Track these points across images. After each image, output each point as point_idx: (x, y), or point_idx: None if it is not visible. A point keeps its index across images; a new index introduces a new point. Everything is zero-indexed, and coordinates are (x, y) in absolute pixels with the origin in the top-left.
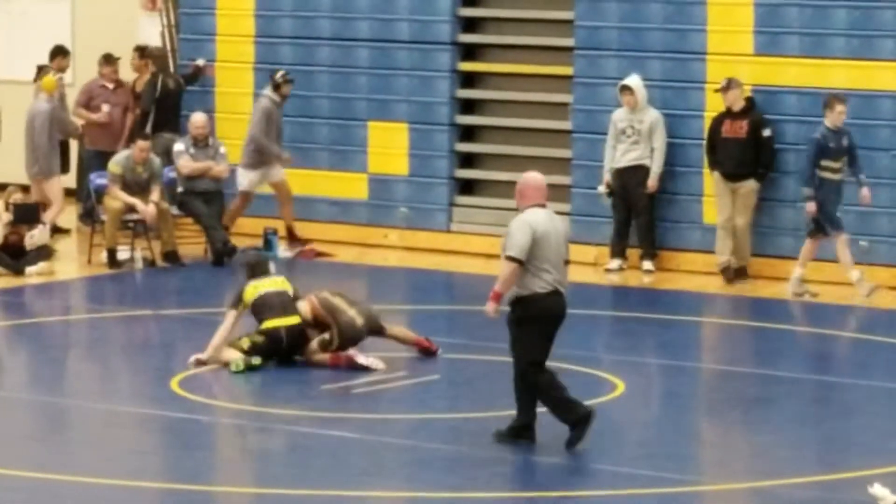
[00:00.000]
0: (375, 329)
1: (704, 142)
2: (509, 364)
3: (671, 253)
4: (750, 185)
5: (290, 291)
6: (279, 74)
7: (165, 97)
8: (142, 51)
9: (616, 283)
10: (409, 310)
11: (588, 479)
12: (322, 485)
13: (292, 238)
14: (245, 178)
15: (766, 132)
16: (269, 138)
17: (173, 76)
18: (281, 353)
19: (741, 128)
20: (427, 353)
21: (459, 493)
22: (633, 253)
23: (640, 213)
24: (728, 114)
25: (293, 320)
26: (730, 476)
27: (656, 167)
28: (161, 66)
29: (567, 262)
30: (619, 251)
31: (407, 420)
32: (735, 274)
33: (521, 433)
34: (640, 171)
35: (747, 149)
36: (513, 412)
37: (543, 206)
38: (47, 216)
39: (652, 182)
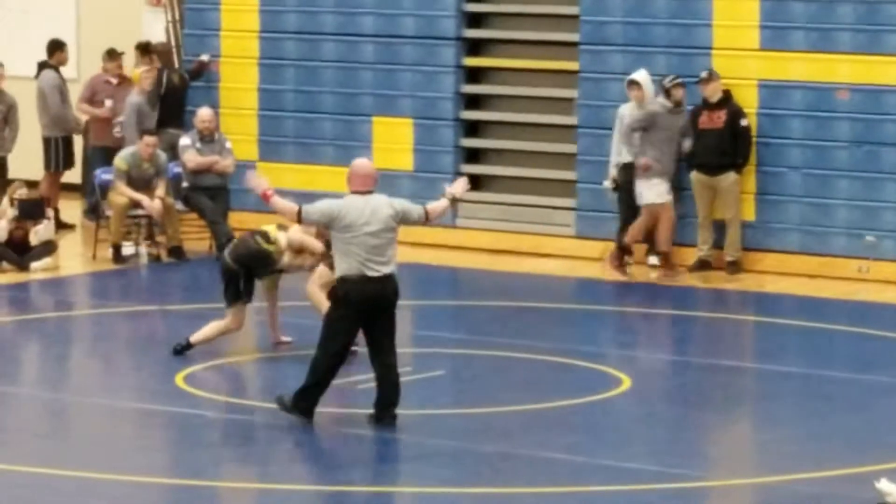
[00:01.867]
0: None
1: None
2: (514, 359)
3: (676, 248)
4: (731, 178)
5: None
6: None
7: (170, 93)
8: (143, 48)
9: (621, 278)
10: (413, 305)
11: (593, 474)
12: (328, 480)
13: None
14: None
15: (744, 122)
16: None
17: (178, 72)
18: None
19: (719, 118)
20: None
21: (463, 488)
22: (639, 248)
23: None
24: (705, 105)
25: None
26: (735, 472)
27: None
28: (166, 62)
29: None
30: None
31: (411, 415)
32: (730, 268)
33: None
34: None
35: (725, 139)
36: (519, 407)
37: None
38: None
39: None
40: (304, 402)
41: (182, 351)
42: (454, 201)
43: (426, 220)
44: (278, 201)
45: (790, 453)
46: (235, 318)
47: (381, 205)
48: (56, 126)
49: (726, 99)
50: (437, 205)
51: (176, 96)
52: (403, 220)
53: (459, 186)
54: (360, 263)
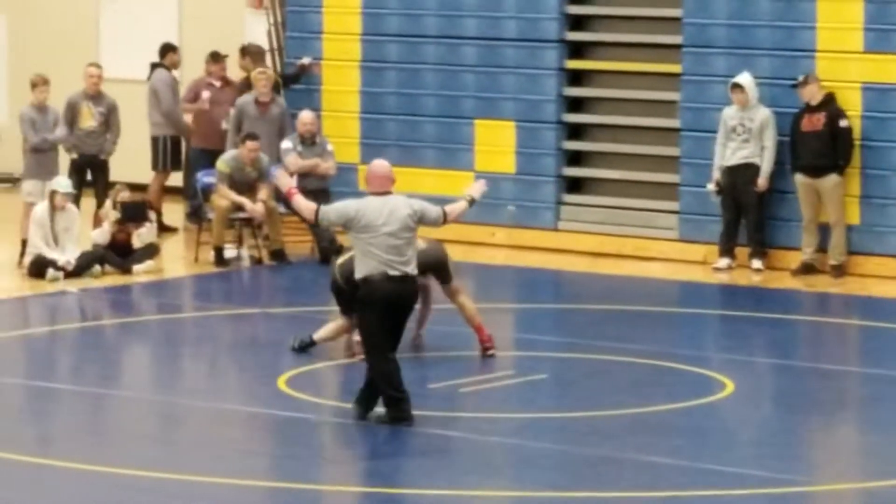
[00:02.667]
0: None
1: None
2: (617, 363)
3: (780, 251)
4: (833, 180)
5: None
6: None
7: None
8: (244, 50)
9: (725, 281)
10: (516, 308)
11: (697, 478)
12: (429, 484)
13: None
14: None
15: (843, 123)
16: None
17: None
18: None
19: (819, 120)
20: (482, 346)
21: (566, 492)
22: (742, 251)
23: (750, 212)
24: (807, 108)
25: None
26: (840, 476)
27: (767, 165)
28: (258, 64)
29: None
30: (727, 249)
31: (514, 419)
32: (833, 271)
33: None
34: (750, 170)
35: (826, 140)
36: (622, 411)
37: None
38: None
39: (762, 180)
40: (396, 413)
41: (304, 348)
42: (472, 202)
43: (444, 221)
44: (300, 201)
45: (895, 457)
46: (350, 325)
47: (399, 205)
48: (167, 124)
49: (827, 101)
50: (456, 206)
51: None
52: (421, 220)
53: (478, 188)
54: (380, 263)
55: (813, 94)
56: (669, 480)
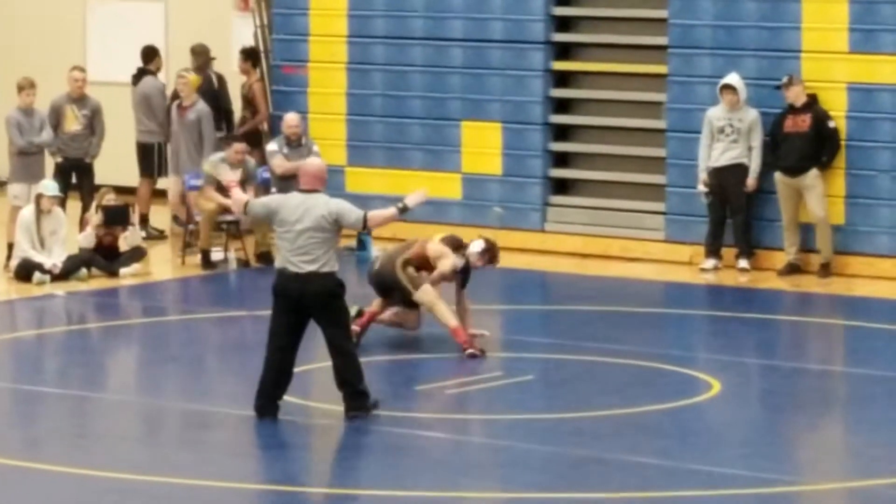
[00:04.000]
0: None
1: (770, 140)
2: (604, 364)
3: (766, 252)
4: (813, 174)
5: None
6: None
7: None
8: (246, 53)
9: (711, 282)
10: (502, 310)
11: (684, 479)
12: (417, 485)
13: None
14: None
15: (831, 125)
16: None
17: (204, 74)
18: None
19: (804, 122)
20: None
21: (554, 493)
22: (729, 252)
23: (737, 212)
24: (790, 109)
25: None
26: (827, 476)
27: (755, 166)
28: (201, 65)
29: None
30: (714, 250)
31: (502, 420)
32: (821, 271)
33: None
34: (738, 170)
35: (810, 142)
36: (609, 411)
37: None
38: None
39: (751, 181)
40: (258, 401)
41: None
42: (404, 210)
43: (364, 225)
44: (235, 193)
45: (882, 457)
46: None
47: (318, 204)
48: (160, 132)
49: (811, 103)
50: (382, 212)
51: (208, 98)
52: (338, 221)
53: (416, 196)
54: (285, 259)
55: (798, 96)
56: (656, 481)
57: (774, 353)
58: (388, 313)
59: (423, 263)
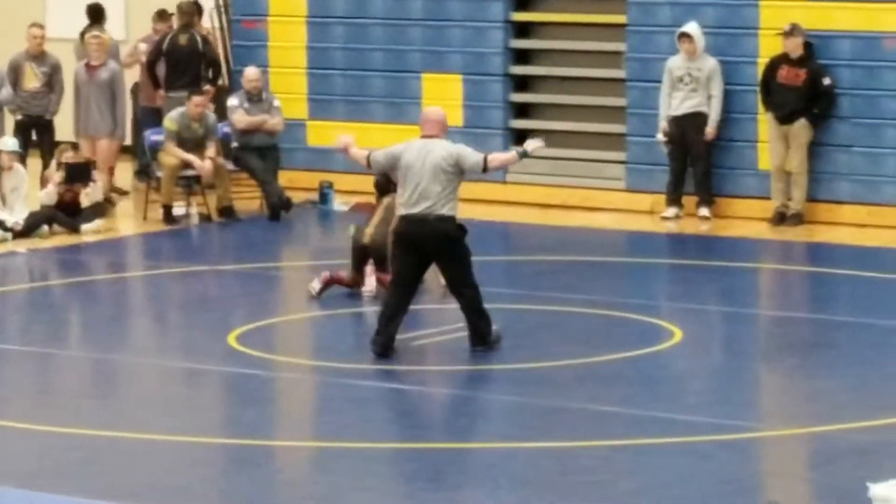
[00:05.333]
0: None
1: (759, 84)
2: (566, 313)
3: (728, 200)
4: (802, 124)
5: None
6: None
7: (173, 55)
8: (160, 14)
9: (673, 230)
10: None
11: (647, 426)
12: (381, 437)
13: None
14: None
15: (827, 81)
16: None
17: (189, 34)
18: None
19: (798, 76)
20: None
21: (518, 443)
22: (690, 200)
23: (698, 161)
24: (785, 59)
25: None
26: (789, 422)
27: (715, 114)
28: (186, 23)
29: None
30: (675, 199)
31: (465, 371)
32: (791, 219)
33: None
34: (698, 119)
35: (804, 97)
36: (573, 361)
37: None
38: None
39: (711, 129)
40: (378, 340)
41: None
42: (524, 155)
43: (485, 168)
44: (355, 152)
45: (844, 402)
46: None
47: (439, 149)
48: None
49: (807, 56)
50: (502, 155)
51: (181, 58)
52: (458, 164)
53: (534, 143)
54: (407, 204)
55: (796, 47)
56: (619, 429)
57: (736, 300)
58: (375, 288)
59: None
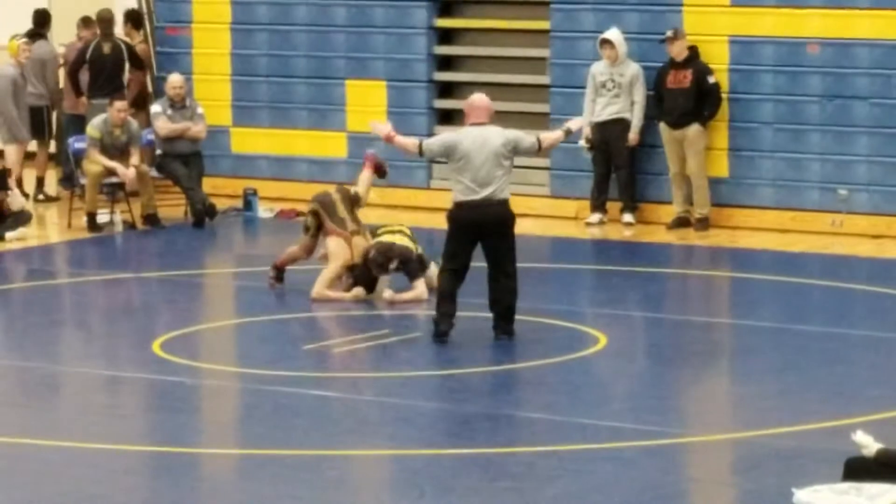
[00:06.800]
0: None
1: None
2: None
3: (651, 205)
4: (695, 129)
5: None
6: None
7: (97, 62)
8: (127, 16)
9: (597, 236)
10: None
11: (571, 433)
12: (305, 444)
13: None
14: None
15: (711, 80)
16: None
17: (112, 41)
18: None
19: (685, 77)
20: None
21: (441, 449)
22: (614, 206)
23: (621, 167)
24: (672, 64)
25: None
26: (713, 428)
27: (637, 120)
28: (105, 30)
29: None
30: (599, 205)
31: (389, 378)
32: (698, 224)
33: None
34: (620, 125)
35: (692, 98)
36: (496, 367)
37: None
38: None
39: (633, 135)
40: (441, 322)
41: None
42: (569, 133)
43: (539, 149)
44: (401, 140)
45: (767, 408)
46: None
47: (495, 135)
48: (49, 96)
49: (692, 58)
50: (551, 134)
51: (105, 66)
52: (515, 149)
53: (578, 121)
54: (467, 190)
55: (681, 51)
56: (544, 436)
57: (660, 306)
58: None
59: None
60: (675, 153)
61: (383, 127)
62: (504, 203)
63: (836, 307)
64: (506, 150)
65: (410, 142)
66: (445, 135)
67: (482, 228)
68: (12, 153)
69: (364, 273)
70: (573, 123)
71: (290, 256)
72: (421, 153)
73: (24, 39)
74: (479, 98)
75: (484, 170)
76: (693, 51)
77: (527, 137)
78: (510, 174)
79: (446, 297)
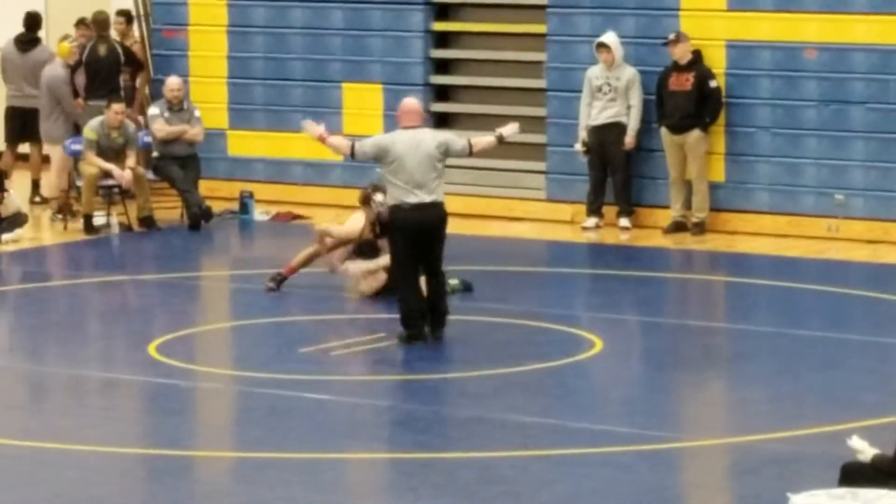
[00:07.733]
0: None
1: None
2: (486, 323)
3: (648, 209)
4: (696, 135)
5: None
6: None
7: (93, 64)
8: (120, 14)
9: (593, 240)
10: None
11: (567, 437)
12: (301, 447)
13: None
14: None
15: (712, 84)
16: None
17: (108, 43)
18: None
19: (687, 80)
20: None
21: (437, 453)
22: (610, 210)
23: (617, 171)
24: (675, 67)
25: None
26: (708, 432)
27: (633, 124)
28: (103, 34)
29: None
30: (595, 209)
31: (385, 381)
32: (694, 229)
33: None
34: (616, 129)
35: (693, 101)
36: (492, 371)
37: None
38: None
39: (629, 139)
40: (410, 324)
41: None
42: (501, 140)
43: (470, 153)
44: (334, 140)
45: (763, 412)
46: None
47: (427, 138)
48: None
49: (695, 61)
50: (483, 139)
51: (101, 68)
52: (447, 152)
53: (510, 128)
54: (402, 193)
55: (683, 54)
56: (539, 440)
57: (656, 310)
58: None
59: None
60: (675, 158)
61: (315, 128)
62: (440, 205)
63: (832, 312)
64: (438, 152)
65: (343, 143)
66: (378, 137)
67: (422, 229)
68: (58, 155)
69: (368, 244)
70: (506, 129)
71: (306, 256)
72: (353, 155)
73: (75, 43)
74: (410, 102)
75: (419, 172)
76: (696, 54)
77: (458, 140)
78: (443, 176)
79: (415, 313)
